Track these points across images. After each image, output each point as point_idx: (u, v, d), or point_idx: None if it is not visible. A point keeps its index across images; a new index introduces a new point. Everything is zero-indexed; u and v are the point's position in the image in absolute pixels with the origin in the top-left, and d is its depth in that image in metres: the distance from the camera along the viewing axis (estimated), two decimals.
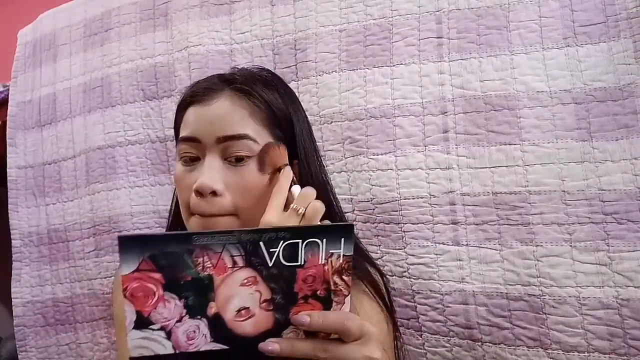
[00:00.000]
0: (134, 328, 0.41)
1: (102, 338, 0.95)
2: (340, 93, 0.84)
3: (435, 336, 0.77)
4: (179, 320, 0.42)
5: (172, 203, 0.72)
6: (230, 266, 0.41)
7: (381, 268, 0.76)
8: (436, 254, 0.76)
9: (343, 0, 0.87)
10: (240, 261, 0.41)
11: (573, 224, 0.71)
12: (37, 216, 1.04)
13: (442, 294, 0.75)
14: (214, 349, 0.43)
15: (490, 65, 0.77)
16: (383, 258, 0.79)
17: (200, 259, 0.41)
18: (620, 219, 0.69)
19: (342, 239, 0.43)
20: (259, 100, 0.60)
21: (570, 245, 0.71)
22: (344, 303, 0.44)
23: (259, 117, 0.60)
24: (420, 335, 0.78)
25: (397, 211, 0.78)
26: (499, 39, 0.78)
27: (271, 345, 0.42)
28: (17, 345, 1.01)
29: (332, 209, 0.70)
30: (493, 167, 0.75)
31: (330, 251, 0.42)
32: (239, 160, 0.58)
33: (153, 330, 0.42)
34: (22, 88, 1.11)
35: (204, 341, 0.43)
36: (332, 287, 0.44)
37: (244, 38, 0.92)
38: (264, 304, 0.43)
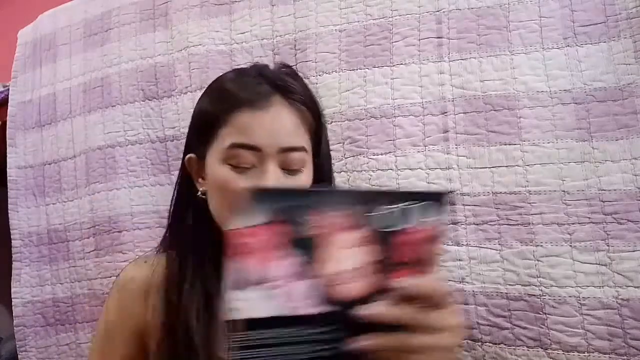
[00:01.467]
0: (241, 286, 0.39)
1: None
2: (340, 93, 0.84)
3: None
4: (288, 280, 0.40)
5: (175, 205, 0.68)
6: (344, 226, 0.41)
7: None
8: None
9: (343, 0, 0.87)
10: (352, 221, 0.41)
11: (573, 224, 0.71)
12: (37, 216, 1.04)
13: None
14: (313, 312, 0.41)
15: (490, 65, 0.77)
16: None
17: (319, 217, 0.40)
18: (620, 219, 0.69)
19: (440, 206, 0.42)
20: (307, 110, 0.61)
21: (570, 245, 0.71)
22: (434, 270, 0.44)
23: (307, 126, 0.61)
24: None
25: None
26: (499, 39, 0.78)
27: (371, 309, 0.41)
28: (17, 345, 1.01)
29: None
30: (493, 167, 0.75)
31: (429, 218, 0.42)
32: (293, 170, 0.59)
33: (261, 289, 0.40)
34: (22, 88, 1.11)
35: (307, 303, 0.41)
36: (426, 254, 0.43)
37: (244, 38, 0.92)
38: (367, 267, 0.42)
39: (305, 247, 0.40)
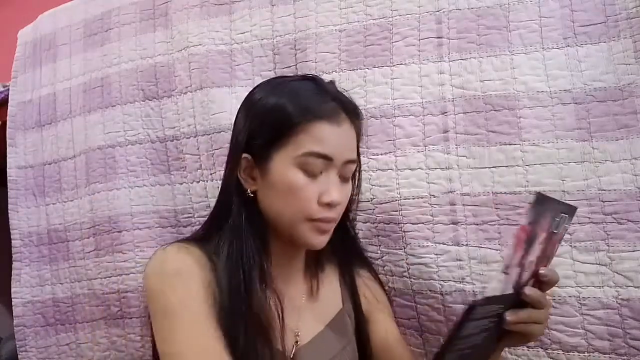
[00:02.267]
0: (501, 269, 0.50)
1: (102, 338, 0.95)
2: None
3: (436, 336, 0.77)
4: (513, 267, 0.51)
5: (226, 198, 0.68)
6: (546, 228, 0.52)
7: (372, 263, 0.81)
8: (436, 254, 0.76)
9: (343, 0, 0.87)
10: (551, 226, 0.53)
11: (573, 224, 0.71)
12: (37, 216, 1.04)
13: (442, 294, 0.75)
14: (504, 293, 0.51)
15: (490, 65, 0.77)
16: (383, 258, 0.79)
17: (545, 220, 0.51)
18: (620, 219, 0.69)
19: (571, 217, 0.55)
20: (359, 130, 0.69)
21: (570, 245, 0.71)
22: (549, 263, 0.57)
23: (357, 140, 0.69)
24: (420, 335, 0.78)
25: (397, 211, 0.78)
26: (499, 39, 0.78)
27: (529, 291, 0.53)
28: (17, 345, 1.01)
29: (351, 208, 0.73)
30: (493, 167, 0.75)
31: (565, 224, 0.55)
32: (346, 179, 0.67)
33: (505, 274, 0.50)
34: (22, 88, 1.11)
35: (510, 287, 0.51)
36: (554, 251, 0.56)
37: (244, 38, 0.92)
38: (537, 259, 0.53)
39: (530, 243, 0.51)
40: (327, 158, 0.63)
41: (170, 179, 0.93)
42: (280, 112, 0.64)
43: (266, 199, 0.65)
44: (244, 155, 0.66)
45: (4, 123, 1.10)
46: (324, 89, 0.67)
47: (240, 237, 0.64)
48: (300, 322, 0.68)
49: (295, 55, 0.88)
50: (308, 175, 0.63)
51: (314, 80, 0.69)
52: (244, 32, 0.92)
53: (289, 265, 0.71)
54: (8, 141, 1.09)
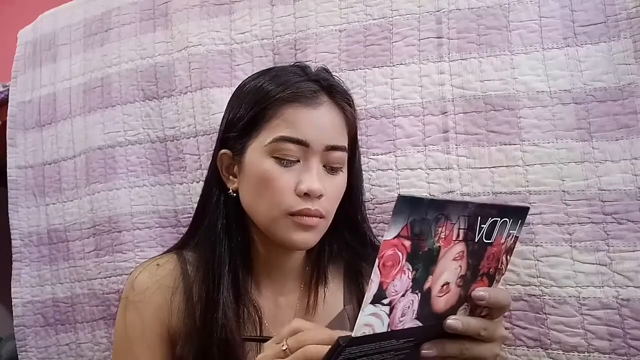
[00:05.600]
0: (370, 303, 0.38)
1: (102, 338, 0.95)
2: None
3: None
4: (403, 295, 0.39)
5: (205, 202, 0.66)
6: (454, 239, 0.40)
7: None
8: None
9: (343, 0, 0.87)
10: (461, 234, 0.40)
11: (573, 224, 0.71)
12: (37, 216, 1.04)
13: None
14: (412, 326, 0.40)
15: (490, 65, 0.77)
16: None
17: (441, 229, 0.39)
18: (620, 219, 0.69)
19: (520, 221, 0.44)
20: (350, 116, 0.64)
21: (570, 245, 0.71)
22: (500, 281, 0.46)
23: (348, 127, 0.64)
24: None
25: None
26: (499, 39, 0.78)
27: (455, 321, 0.42)
28: (17, 345, 1.01)
29: (361, 208, 0.71)
30: (493, 167, 0.75)
31: (510, 231, 0.44)
32: (334, 169, 0.61)
33: (382, 305, 0.38)
34: (22, 88, 1.11)
35: (410, 318, 0.40)
36: (499, 265, 0.45)
37: (244, 38, 0.92)
38: (459, 279, 0.42)
39: (425, 259, 0.39)
40: (301, 143, 0.58)
41: (170, 179, 0.93)
42: (257, 92, 0.61)
43: (244, 196, 0.61)
44: (223, 150, 0.63)
45: (4, 123, 1.10)
46: (304, 71, 0.63)
47: (214, 241, 0.61)
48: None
49: (295, 55, 0.88)
50: (282, 164, 0.58)
51: (299, 65, 0.65)
52: (244, 32, 0.92)
53: (280, 272, 0.66)
54: (8, 141, 1.09)
